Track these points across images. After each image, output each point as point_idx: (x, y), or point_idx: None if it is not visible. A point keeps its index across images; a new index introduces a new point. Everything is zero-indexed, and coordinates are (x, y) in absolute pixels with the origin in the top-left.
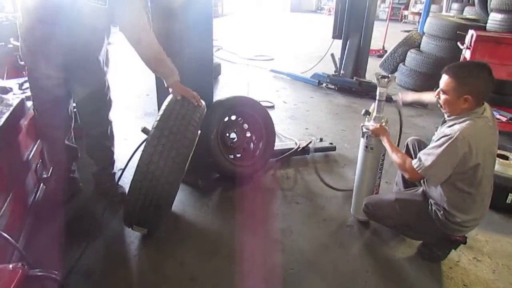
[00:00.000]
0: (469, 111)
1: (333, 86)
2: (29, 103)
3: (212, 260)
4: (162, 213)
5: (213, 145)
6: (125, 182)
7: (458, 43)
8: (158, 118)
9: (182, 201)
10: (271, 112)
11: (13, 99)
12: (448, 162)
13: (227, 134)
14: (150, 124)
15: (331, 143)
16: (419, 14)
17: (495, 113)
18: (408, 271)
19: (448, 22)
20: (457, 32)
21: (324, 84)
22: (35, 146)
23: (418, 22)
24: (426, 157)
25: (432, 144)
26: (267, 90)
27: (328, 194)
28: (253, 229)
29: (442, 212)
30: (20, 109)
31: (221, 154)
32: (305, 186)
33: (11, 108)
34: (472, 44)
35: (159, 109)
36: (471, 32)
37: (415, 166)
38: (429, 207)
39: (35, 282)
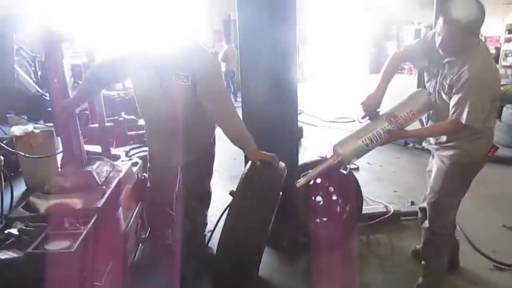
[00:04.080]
0: None
1: (420, 146)
2: (134, 169)
3: None
4: (248, 276)
5: (299, 208)
6: (214, 243)
7: None
8: (241, 181)
9: (269, 265)
10: (356, 174)
11: (122, 165)
12: None
13: (313, 197)
14: (233, 187)
15: None
16: (510, 67)
17: None
18: None
19: None
20: None
21: (411, 144)
22: (137, 208)
23: (510, 75)
24: None
25: None
26: None
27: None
28: None
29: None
30: (128, 174)
31: (307, 217)
32: (398, 253)
33: (121, 174)
34: None
35: None
36: None
37: None
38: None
39: None
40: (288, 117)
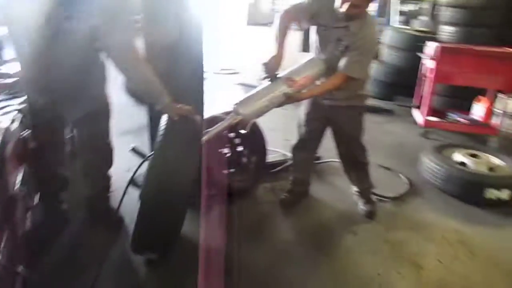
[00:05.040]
0: None
1: None
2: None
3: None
4: (175, 235)
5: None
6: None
7: (420, 54)
8: (160, 138)
9: None
10: None
11: None
12: None
13: (220, 150)
14: (128, 143)
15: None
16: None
17: (454, 116)
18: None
19: (407, 34)
20: (418, 43)
21: None
22: (21, 173)
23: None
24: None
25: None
26: None
27: (326, 201)
28: (259, 244)
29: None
30: (7, 131)
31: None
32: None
33: None
34: (437, 54)
35: (151, 125)
36: (434, 44)
37: None
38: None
39: None
40: (194, 67)
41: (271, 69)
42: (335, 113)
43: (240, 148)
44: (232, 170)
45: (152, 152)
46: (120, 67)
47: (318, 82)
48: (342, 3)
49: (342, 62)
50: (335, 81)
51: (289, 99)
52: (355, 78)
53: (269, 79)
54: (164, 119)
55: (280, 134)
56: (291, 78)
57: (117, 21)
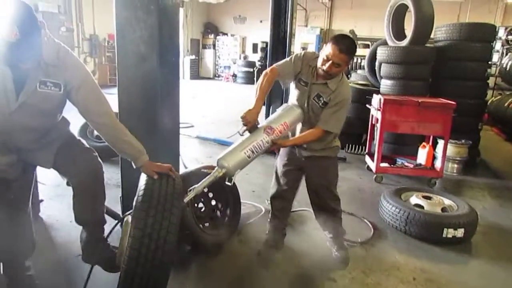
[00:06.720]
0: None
1: None
2: None
3: None
4: None
5: (187, 217)
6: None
7: (368, 106)
8: (139, 198)
9: None
10: None
11: None
12: None
13: (196, 204)
14: None
15: None
16: None
17: (402, 161)
18: None
19: (352, 88)
20: (362, 96)
21: None
22: None
23: None
24: None
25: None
26: (200, 157)
27: (300, 249)
28: None
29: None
30: None
31: (196, 225)
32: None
33: None
34: (382, 106)
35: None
36: (378, 96)
37: None
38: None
39: None
40: (170, 122)
41: (249, 121)
42: (310, 164)
43: (213, 202)
44: (206, 224)
45: (129, 212)
46: (107, 141)
47: (297, 129)
48: (324, 62)
49: (322, 117)
50: (315, 134)
51: (274, 145)
52: (334, 132)
53: (249, 131)
54: (143, 178)
55: (245, 185)
56: (269, 126)
57: (92, 86)
